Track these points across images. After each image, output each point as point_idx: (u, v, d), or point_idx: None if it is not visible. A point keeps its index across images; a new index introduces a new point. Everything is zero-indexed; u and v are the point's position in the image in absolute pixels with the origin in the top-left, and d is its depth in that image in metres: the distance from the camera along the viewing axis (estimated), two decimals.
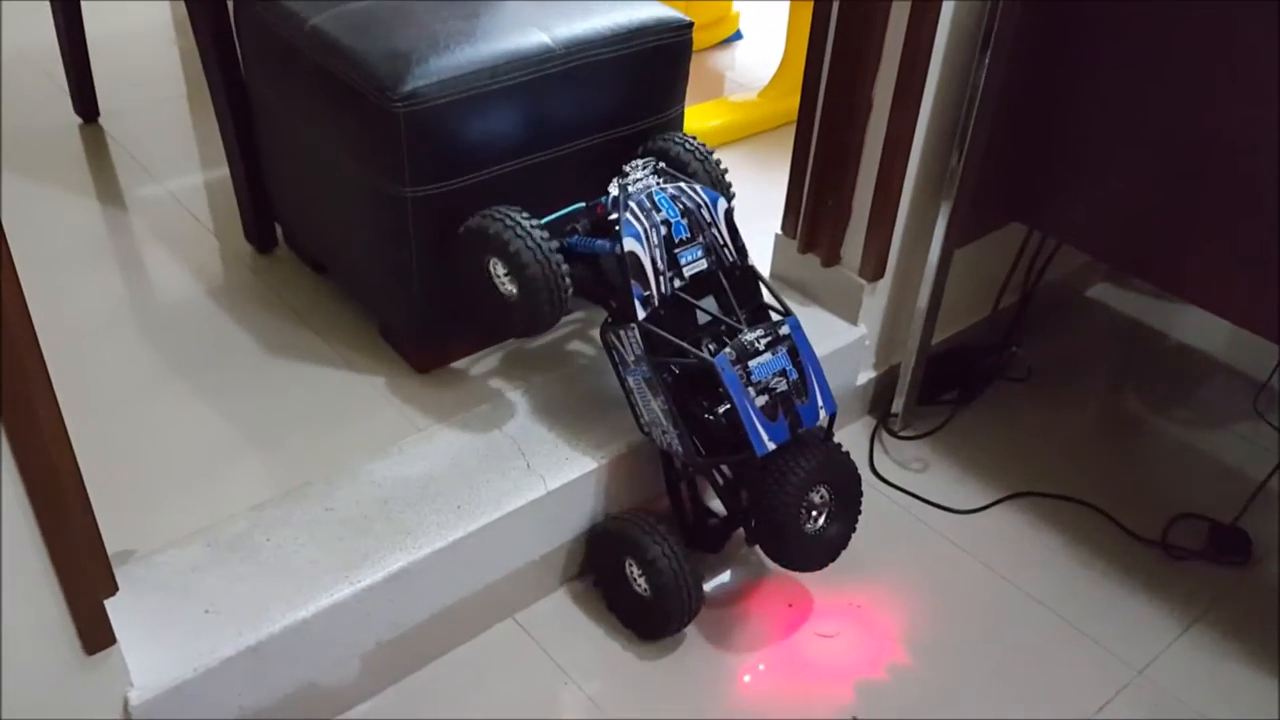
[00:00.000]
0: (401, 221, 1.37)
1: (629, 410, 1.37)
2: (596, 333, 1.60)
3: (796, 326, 1.32)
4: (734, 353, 1.26)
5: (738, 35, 2.64)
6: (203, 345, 1.59)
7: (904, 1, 1.41)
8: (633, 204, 1.30)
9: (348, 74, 1.32)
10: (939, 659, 1.38)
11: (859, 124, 1.52)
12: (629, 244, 1.28)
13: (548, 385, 1.50)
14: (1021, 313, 1.85)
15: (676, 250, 1.31)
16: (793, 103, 2.25)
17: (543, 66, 1.36)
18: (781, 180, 1.68)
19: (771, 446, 1.27)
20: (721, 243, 1.35)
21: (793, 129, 1.62)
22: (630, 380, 1.34)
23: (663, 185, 1.34)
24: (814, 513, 1.33)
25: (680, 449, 1.31)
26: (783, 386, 1.28)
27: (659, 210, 1.31)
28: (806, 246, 1.68)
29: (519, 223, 1.28)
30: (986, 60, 1.42)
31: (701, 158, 1.49)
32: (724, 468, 1.38)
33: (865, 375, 1.72)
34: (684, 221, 1.32)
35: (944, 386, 1.77)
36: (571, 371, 1.54)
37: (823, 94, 1.55)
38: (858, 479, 1.37)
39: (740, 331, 1.30)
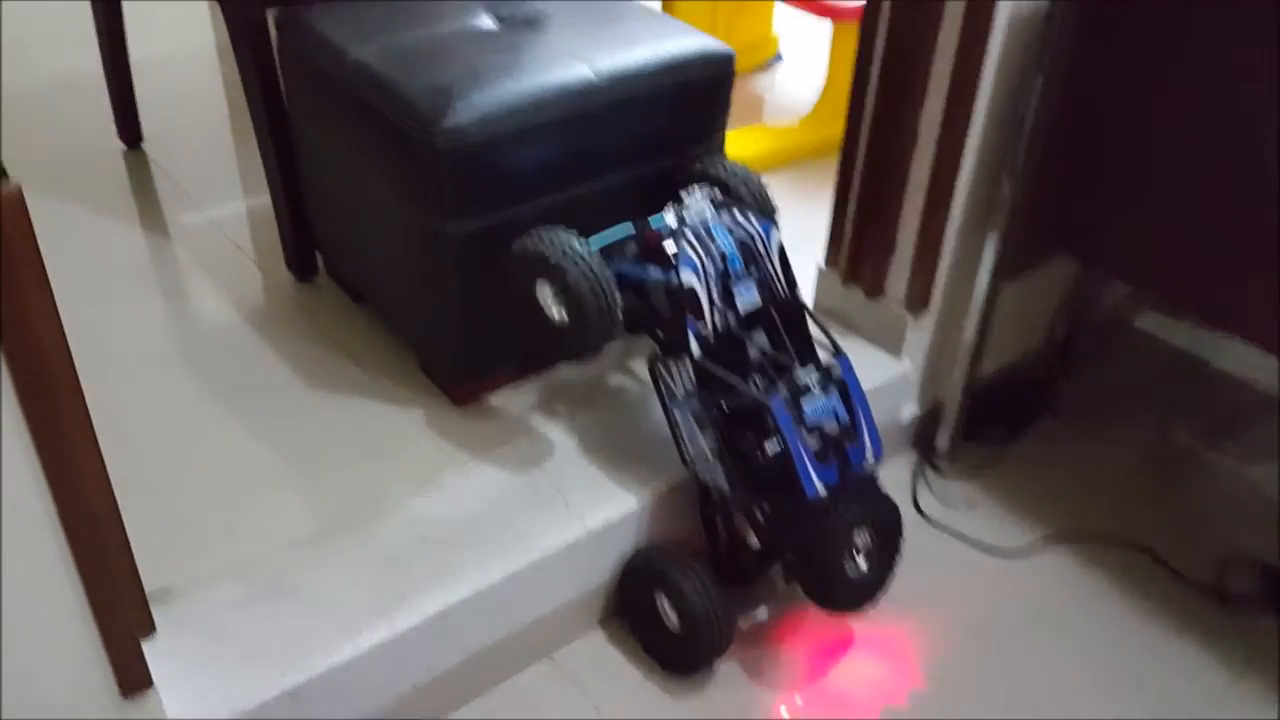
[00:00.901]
0: (442, 255, 1.36)
1: (669, 445, 1.35)
2: (635, 364, 1.59)
3: (848, 367, 1.29)
4: (787, 393, 1.24)
5: (778, 58, 2.62)
6: (243, 376, 1.59)
7: (952, 31, 1.38)
8: (689, 234, 1.28)
9: (390, 109, 1.32)
10: (980, 704, 1.35)
11: (904, 155, 1.50)
12: (687, 278, 1.26)
13: (586, 419, 1.48)
14: (1069, 345, 1.82)
15: (731, 284, 1.29)
16: (835, 130, 2.22)
17: (584, 100, 1.35)
18: (823, 209, 1.66)
19: (822, 490, 1.24)
20: (774, 276, 1.33)
21: (834, 157, 1.60)
22: (677, 414, 1.32)
23: (719, 215, 1.32)
24: (857, 555, 1.30)
25: (727, 487, 1.29)
26: (834, 428, 1.26)
27: (715, 242, 1.29)
28: (850, 278, 1.65)
29: (574, 248, 1.25)
30: (1039, 85, 1.39)
31: (744, 179, 1.47)
32: (763, 503, 1.36)
33: (909, 410, 1.69)
34: (739, 254, 1.30)
35: (989, 421, 1.74)
36: (610, 405, 1.52)
37: (867, 125, 1.53)
38: (900, 522, 1.35)
39: (791, 368, 1.28)
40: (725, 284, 1.29)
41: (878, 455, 1.31)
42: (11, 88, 2.29)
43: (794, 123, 2.29)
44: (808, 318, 1.36)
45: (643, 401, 1.52)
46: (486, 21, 1.47)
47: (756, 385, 1.30)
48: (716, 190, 1.37)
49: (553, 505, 1.34)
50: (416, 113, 1.28)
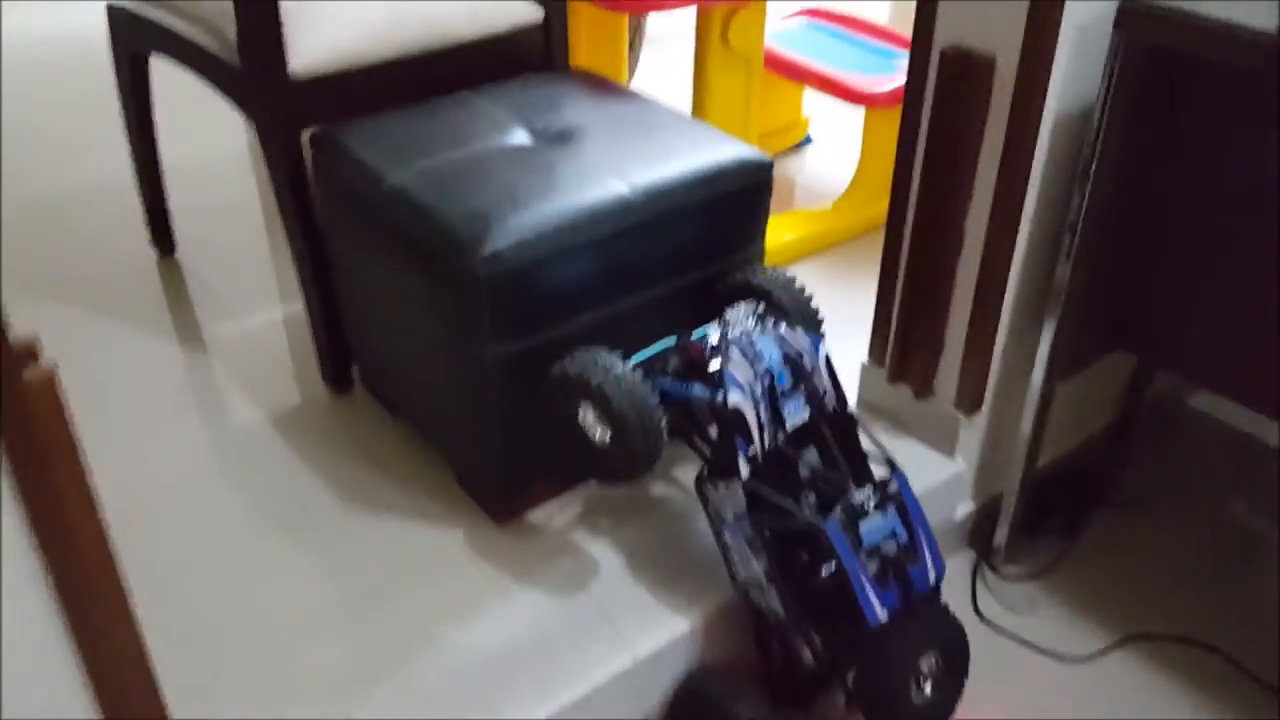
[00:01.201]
0: (482, 378, 1.33)
1: (717, 560, 1.31)
2: (679, 472, 1.55)
3: (905, 484, 1.25)
4: (843, 515, 1.20)
5: (808, 140, 2.60)
6: (279, 495, 1.56)
7: (998, 129, 1.35)
8: (735, 352, 1.25)
9: (428, 237, 1.30)
10: None
11: (951, 255, 1.46)
12: (735, 399, 1.22)
13: (631, 534, 1.44)
14: (1125, 431, 1.76)
15: (779, 401, 1.25)
16: (869, 212, 2.20)
17: (621, 218, 1.32)
18: (860, 295, 1.62)
19: (884, 616, 1.19)
20: (823, 391, 1.29)
21: (870, 239, 1.57)
22: (728, 537, 1.27)
23: (763, 330, 1.29)
24: (923, 682, 1.25)
25: (781, 611, 1.24)
26: (893, 550, 1.21)
27: (761, 359, 1.25)
28: (897, 376, 1.61)
29: (615, 370, 1.22)
30: (1091, 179, 1.35)
31: (786, 287, 1.44)
32: (821, 628, 1.31)
33: (963, 508, 1.63)
34: (786, 370, 1.26)
35: (1047, 514, 1.68)
36: (655, 517, 1.48)
37: (910, 225, 1.50)
38: (966, 644, 1.29)
39: (845, 487, 1.24)
40: (773, 402, 1.25)
41: (940, 575, 1.26)
42: (41, 199, 2.31)
43: (827, 206, 2.26)
44: (860, 431, 1.32)
45: (687, 514, 1.48)
46: (521, 136, 1.46)
47: (809, 505, 1.25)
48: (760, 304, 1.33)
49: (600, 632, 1.30)
50: (455, 240, 1.26)
